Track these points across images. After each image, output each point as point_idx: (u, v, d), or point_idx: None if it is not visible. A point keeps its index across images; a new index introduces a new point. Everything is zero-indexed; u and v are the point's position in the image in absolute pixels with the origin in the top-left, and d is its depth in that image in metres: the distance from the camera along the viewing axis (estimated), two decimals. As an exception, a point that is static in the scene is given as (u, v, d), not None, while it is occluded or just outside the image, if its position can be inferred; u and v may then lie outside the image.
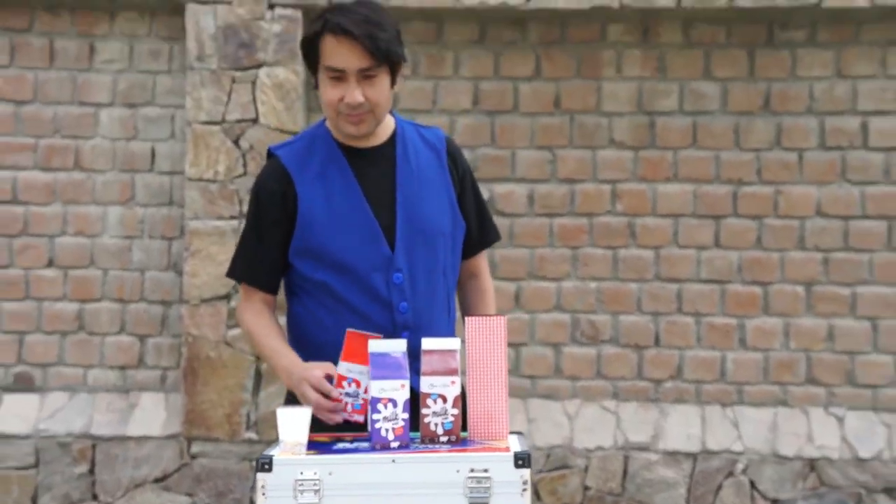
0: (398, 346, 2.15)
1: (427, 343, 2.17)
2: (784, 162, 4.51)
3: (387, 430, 2.08)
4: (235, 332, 4.44)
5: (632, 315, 4.56)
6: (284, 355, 2.35)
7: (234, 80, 4.50)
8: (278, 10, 4.49)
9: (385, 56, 2.28)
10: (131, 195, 4.65)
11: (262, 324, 2.43)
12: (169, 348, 4.63)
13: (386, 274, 2.35)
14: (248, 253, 2.44)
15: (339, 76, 2.28)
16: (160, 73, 4.67)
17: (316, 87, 2.38)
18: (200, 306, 4.47)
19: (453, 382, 2.13)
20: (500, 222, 4.50)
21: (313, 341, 2.39)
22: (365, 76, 2.27)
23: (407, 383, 2.10)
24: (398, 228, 2.37)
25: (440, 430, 2.12)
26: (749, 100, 4.52)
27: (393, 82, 2.35)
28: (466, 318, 2.26)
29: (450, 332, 2.42)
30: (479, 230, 2.55)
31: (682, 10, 4.40)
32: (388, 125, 2.44)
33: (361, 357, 2.19)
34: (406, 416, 2.09)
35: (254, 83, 4.49)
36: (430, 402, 2.12)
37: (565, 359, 4.57)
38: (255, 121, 4.49)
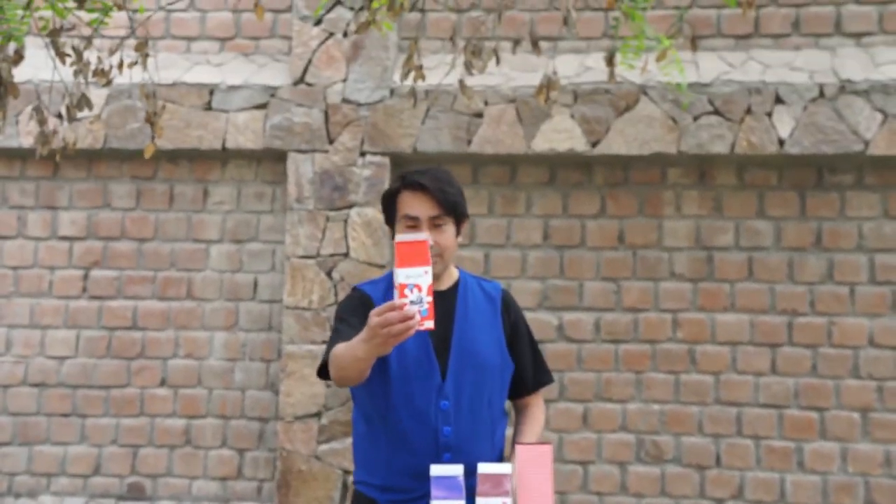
0: (456, 470, 2.42)
1: (483, 468, 2.40)
2: (836, 295, 4.76)
3: None
4: (325, 447, 4.83)
5: (693, 436, 4.80)
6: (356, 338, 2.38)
7: (328, 219, 4.99)
8: (368, 157, 5.00)
9: (452, 207, 2.62)
10: (235, 321, 5.16)
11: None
12: (265, 461, 5.04)
13: (435, 401, 2.60)
14: (338, 341, 2.56)
15: (413, 224, 2.60)
16: (263, 212, 5.22)
17: (392, 237, 2.64)
18: (294, 423, 4.89)
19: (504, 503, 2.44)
20: (568, 348, 4.89)
21: (371, 459, 2.64)
22: (435, 224, 2.61)
23: (463, 502, 2.38)
24: (451, 361, 2.62)
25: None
26: (801, 237, 4.80)
27: (458, 232, 2.68)
28: (516, 446, 2.38)
29: (493, 458, 2.69)
30: (533, 372, 2.80)
31: (735, 156, 4.75)
32: (453, 275, 2.75)
33: (417, 259, 2.18)
34: None
35: (345, 222, 4.98)
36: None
37: (630, 477, 4.82)
38: (346, 255, 4.96)
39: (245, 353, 5.12)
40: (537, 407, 2.85)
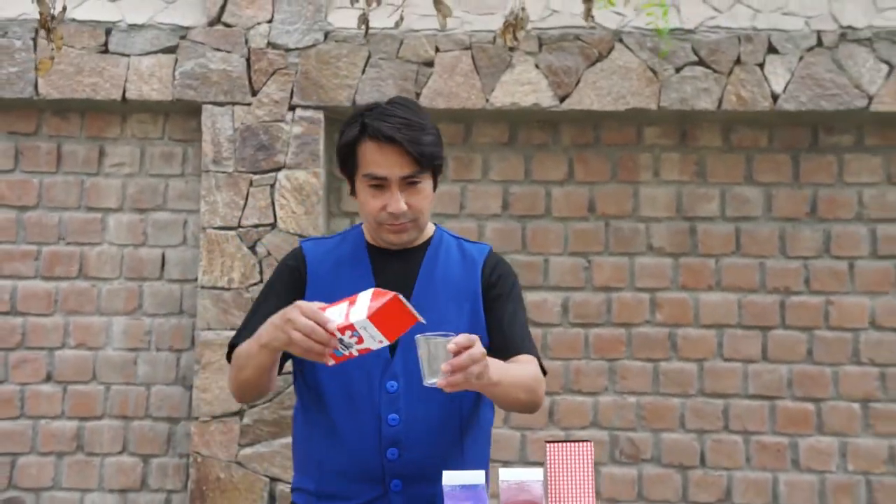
0: (477, 478, 1.85)
1: (505, 474, 1.88)
2: (834, 271, 4.27)
3: None
4: (248, 451, 4.10)
5: (674, 433, 4.25)
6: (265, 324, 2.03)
7: (251, 184, 4.27)
8: (299, 112, 4.30)
9: (430, 160, 2.15)
10: (138, 304, 4.37)
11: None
12: (175, 469, 4.27)
13: (379, 380, 2.13)
14: (251, 327, 2.14)
15: (380, 184, 2.13)
16: (173, 176, 4.45)
17: (352, 193, 2.22)
18: (210, 424, 4.14)
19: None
20: (532, 332, 4.26)
21: (306, 458, 2.22)
22: (409, 183, 2.14)
23: None
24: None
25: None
26: (794, 205, 4.30)
27: (435, 184, 2.22)
28: (547, 445, 1.97)
29: (461, 457, 2.16)
30: (518, 340, 2.23)
31: (722, 113, 4.22)
32: (427, 232, 2.28)
33: (389, 326, 1.87)
34: None
35: (272, 187, 4.26)
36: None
37: (604, 480, 4.22)
38: (272, 226, 4.24)
39: (151, 342, 4.37)
40: (526, 363, 2.21)
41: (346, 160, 2.18)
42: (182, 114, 4.44)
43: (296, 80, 4.31)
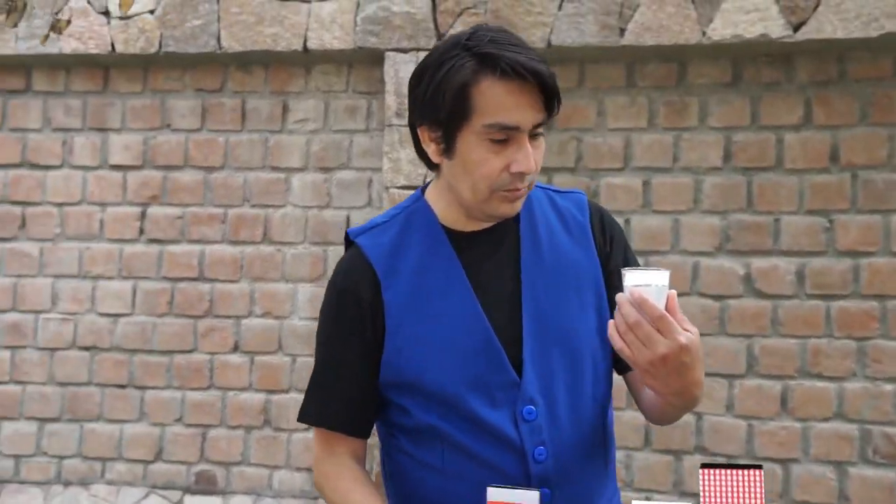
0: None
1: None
2: None
3: None
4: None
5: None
6: None
7: (438, 139, 3.85)
8: (489, 56, 3.81)
9: (558, 105, 1.61)
10: (323, 271, 4.08)
11: (350, 487, 1.68)
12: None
13: (513, 408, 1.64)
14: (323, 385, 1.72)
15: (506, 136, 1.58)
16: (357, 132, 4.10)
17: (446, 152, 1.64)
18: (396, 403, 3.81)
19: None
20: (760, 305, 3.62)
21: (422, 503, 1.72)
22: (533, 134, 1.61)
23: None
24: (525, 342, 1.65)
25: None
26: None
27: None
28: (702, 471, 1.48)
29: (606, 487, 1.72)
30: None
31: None
32: None
33: None
34: None
35: (460, 141, 3.82)
36: None
37: (853, 483, 3.56)
38: (461, 185, 3.81)
39: (336, 311, 4.03)
40: None
41: (454, 108, 1.58)
42: (365, 63, 4.07)
43: (485, 19, 3.83)
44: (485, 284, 1.67)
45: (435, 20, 3.89)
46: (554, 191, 1.79)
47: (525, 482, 1.63)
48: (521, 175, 1.59)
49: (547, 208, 1.75)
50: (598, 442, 1.71)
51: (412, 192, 3.77)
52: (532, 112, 1.57)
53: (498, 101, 1.56)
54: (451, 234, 1.70)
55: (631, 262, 1.77)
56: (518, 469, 1.64)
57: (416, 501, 1.70)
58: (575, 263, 1.71)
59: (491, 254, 1.69)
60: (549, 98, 1.57)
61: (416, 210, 1.74)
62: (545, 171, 3.89)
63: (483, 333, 1.64)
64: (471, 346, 1.64)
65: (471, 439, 1.64)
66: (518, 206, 1.65)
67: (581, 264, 1.71)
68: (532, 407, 1.65)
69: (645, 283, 1.45)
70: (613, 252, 1.75)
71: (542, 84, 1.55)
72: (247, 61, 4.17)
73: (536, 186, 1.76)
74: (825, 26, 3.52)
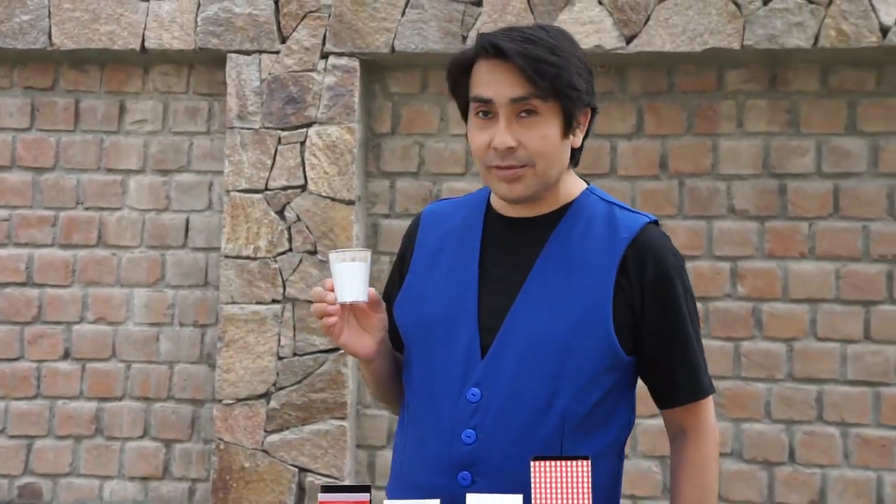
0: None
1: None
2: (952, 235, 3.66)
3: None
4: (275, 437, 3.70)
5: (758, 423, 3.70)
6: None
7: (279, 142, 3.84)
8: (332, 60, 3.84)
9: (551, 83, 1.63)
10: (160, 275, 3.99)
11: None
12: (199, 456, 3.90)
13: (462, 387, 1.70)
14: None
15: (487, 109, 1.69)
16: (197, 134, 4.04)
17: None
18: (235, 407, 3.75)
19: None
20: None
21: (393, 464, 1.87)
22: (522, 112, 1.66)
23: None
24: (502, 329, 1.70)
25: None
26: (904, 158, 3.70)
27: (570, 127, 1.69)
28: (533, 464, 1.52)
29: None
30: (680, 377, 1.73)
31: (818, 52, 3.63)
32: (569, 194, 1.76)
33: None
34: None
35: (302, 144, 3.83)
36: None
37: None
38: (303, 188, 3.81)
39: (174, 316, 3.99)
40: (695, 431, 1.76)
41: (457, 87, 1.74)
42: (206, 64, 4.03)
43: (329, 24, 3.86)
44: (492, 269, 1.73)
45: (278, 22, 3.89)
46: (621, 207, 1.77)
47: (447, 461, 1.67)
48: (497, 151, 1.65)
49: (599, 218, 1.73)
50: (544, 445, 1.65)
51: (255, 195, 3.77)
52: (506, 87, 1.64)
53: (479, 77, 1.68)
54: (497, 217, 1.78)
55: (667, 305, 1.70)
56: (444, 447, 1.68)
57: (393, 466, 1.85)
58: (594, 272, 1.69)
59: (517, 242, 1.75)
60: (531, 77, 1.62)
61: (480, 193, 1.87)
62: (387, 175, 3.93)
63: (465, 313, 1.72)
64: (451, 317, 1.73)
65: (424, 410, 1.74)
66: (516, 188, 1.68)
67: (599, 277, 1.68)
68: (477, 390, 1.68)
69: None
70: (646, 281, 1.69)
71: (513, 61, 1.62)
72: (81, 60, 4.07)
73: (603, 199, 1.76)
74: (655, 40, 3.70)
